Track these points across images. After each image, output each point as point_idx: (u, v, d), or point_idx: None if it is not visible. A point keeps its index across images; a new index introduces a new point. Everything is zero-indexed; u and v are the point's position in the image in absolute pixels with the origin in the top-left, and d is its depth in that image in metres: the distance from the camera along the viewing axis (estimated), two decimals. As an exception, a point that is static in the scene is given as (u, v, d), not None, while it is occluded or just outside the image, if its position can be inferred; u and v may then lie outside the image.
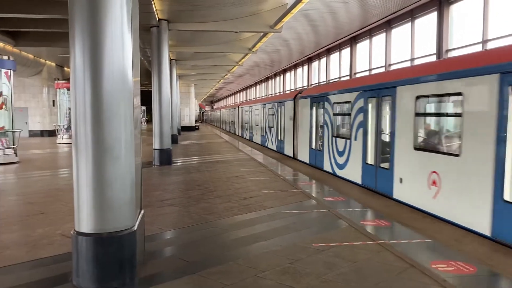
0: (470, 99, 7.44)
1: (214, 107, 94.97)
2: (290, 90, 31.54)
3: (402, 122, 9.61)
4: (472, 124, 7.36)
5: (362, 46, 19.91)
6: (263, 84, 42.86)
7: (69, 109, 24.63)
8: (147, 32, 15.20)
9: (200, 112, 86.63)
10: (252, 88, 49.59)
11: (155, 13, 13.98)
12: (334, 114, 13.97)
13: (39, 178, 11.52)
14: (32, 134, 28.71)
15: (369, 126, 11.30)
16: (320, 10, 17.99)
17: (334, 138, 13.81)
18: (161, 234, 6.09)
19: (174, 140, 21.93)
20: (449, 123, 8.64)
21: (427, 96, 8.92)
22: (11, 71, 14.49)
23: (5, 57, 14.55)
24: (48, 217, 7.07)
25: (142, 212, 5.02)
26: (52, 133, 27.81)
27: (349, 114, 12.49)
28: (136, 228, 4.38)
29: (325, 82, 23.99)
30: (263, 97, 40.67)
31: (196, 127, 45.00)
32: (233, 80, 49.93)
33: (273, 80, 38.32)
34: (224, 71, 35.43)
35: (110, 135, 4.16)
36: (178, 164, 14.54)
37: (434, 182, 8.26)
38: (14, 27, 20.89)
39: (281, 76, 34.93)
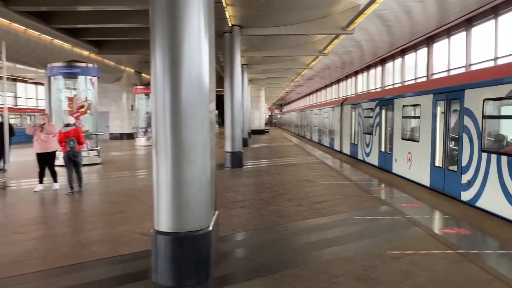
0: None
1: (283, 110, 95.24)
2: (362, 92, 30.86)
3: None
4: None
5: (439, 46, 19.02)
6: (334, 86, 42.31)
7: (147, 113, 25.88)
8: (220, 38, 15.59)
9: (269, 115, 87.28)
10: (322, 90, 49.12)
11: (228, 19, 14.30)
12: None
13: (119, 179, 12.19)
14: (113, 137, 30.46)
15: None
16: (395, 10, 17.45)
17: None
18: (233, 235, 6.21)
19: (245, 143, 22.25)
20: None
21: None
22: (96, 78, 15.46)
23: (90, 65, 15.54)
24: (128, 215, 7.46)
25: (217, 213, 5.14)
26: (130, 136, 29.32)
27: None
28: (211, 228, 4.50)
29: (400, 84, 23.22)
30: (333, 99, 40.14)
31: (266, 130, 45.37)
32: (302, 83, 49.78)
33: (344, 82, 37.72)
34: (294, 74, 35.43)
35: (187, 139, 4.31)
36: (248, 166, 14.74)
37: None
38: (98, 36, 22.29)
39: (353, 78, 34.29)
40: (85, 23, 19.21)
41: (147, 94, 26.16)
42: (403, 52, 23.00)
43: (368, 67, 29.89)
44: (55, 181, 10.04)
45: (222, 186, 10.44)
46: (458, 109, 9.80)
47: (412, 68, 22.08)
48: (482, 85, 8.84)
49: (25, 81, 34.87)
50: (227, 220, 6.86)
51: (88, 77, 15.10)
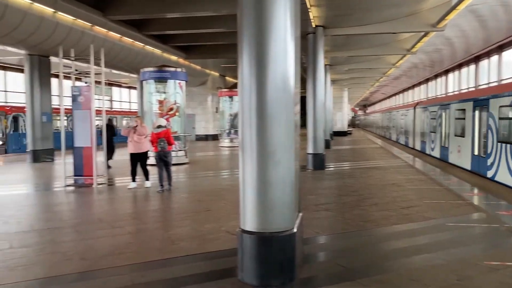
0: None
1: (367, 111, 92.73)
2: (453, 92, 29.14)
3: None
4: None
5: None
6: (422, 86, 40.39)
7: (231, 115, 26.54)
8: (303, 39, 15.56)
9: (352, 117, 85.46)
10: (409, 90, 47.12)
11: (312, 20, 14.23)
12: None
13: (205, 178, 12.62)
14: (198, 138, 31.65)
15: None
16: (490, 4, 16.29)
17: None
18: (317, 237, 6.15)
19: (327, 145, 21.98)
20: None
21: None
22: (184, 81, 16.15)
23: (179, 70, 16.27)
24: (214, 214, 7.70)
25: (301, 214, 5.13)
26: (215, 137, 30.27)
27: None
28: (295, 230, 4.50)
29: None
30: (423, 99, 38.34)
31: (349, 132, 44.48)
32: (388, 82, 48.15)
33: (433, 81, 35.87)
34: (379, 74, 34.38)
35: (272, 140, 4.35)
36: (330, 169, 14.55)
37: None
38: (186, 42, 23.28)
39: (443, 77, 32.49)
40: (174, 29, 20.18)
41: (231, 97, 26.82)
42: (500, 48, 21.37)
43: (460, 66, 28.16)
44: (147, 179, 10.60)
45: (305, 188, 10.38)
46: (486, 113, 13.87)
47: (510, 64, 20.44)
48: (499, 96, 13.07)
49: (120, 86, 37.35)
50: (310, 222, 6.81)
51: (177, 81, 15.80)
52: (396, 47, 21.51)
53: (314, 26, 14.83)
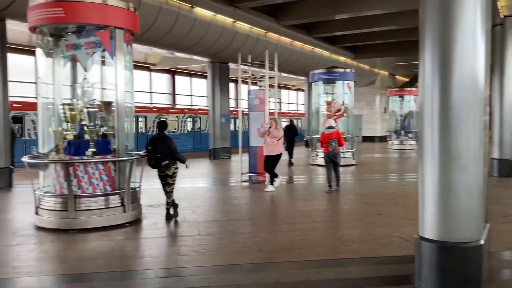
0: None
1: None
2: None
3: None
4: None
5: None
6: None
7: (401, 116, 25.45)
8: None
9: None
10: None
11: (499, 11, 12.77)
12: None
13: (372, 181, 12.33)
14: (365, 139, 31.05)
15: None
16: None
17: None
18: (505, 253, 5.50)
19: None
20: None
21: None
22: (352, 82, 16.04)
23: (348, 70, 16.22)
24: (385, 218, 7.46)
25: (488, 225, 4.65)
26: (383, 139, 29.34)
27: None
28: (482, 242, 4.10)
29: None
30: None
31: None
32: None
33: None
34: None
35: (458, 143, 4.03)
36: (520, 176, 12.82)
37: None
38: (354, 42, 23.09)
39: None
40: (342, 30, 20.23)
41: (401, 96, 25.72)
42: None
43: None
44: (272, 183, 10.15)
45: (490, 196, 9.31)
46: None
47: None
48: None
49: (288, 88, 38.84)
50: (497, 235, 6.10)
51: (346, 82, 15.78)
52: None
53: (502, 16, 13.27)
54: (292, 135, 15.72)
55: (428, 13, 4.17)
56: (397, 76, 33.09)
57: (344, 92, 15.85)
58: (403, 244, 5.73)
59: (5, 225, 7.23)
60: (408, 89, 26.19)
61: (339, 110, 15.68)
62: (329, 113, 15.61)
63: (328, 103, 15.83)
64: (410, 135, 24.85)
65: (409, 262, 4.42)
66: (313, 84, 16.68)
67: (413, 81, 29.66)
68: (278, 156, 10.18)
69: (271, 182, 10.16)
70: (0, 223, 7.33)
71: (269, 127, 10.15)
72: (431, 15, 4.14)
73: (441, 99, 4.06)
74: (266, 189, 10.09)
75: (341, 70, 16.17)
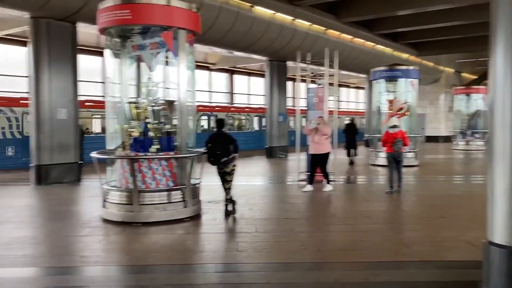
0: None
1: None
2: None
3: None
4: None
5: None
6: None
7: (467, 115, 24.29)
8: None
9: None
10: None
11: None
12: None
13: (436, 182, 11.87)
14: (428, 139, 29.91)
15: None
16: None
17: None
18: None
19: None
20: None
21: None
22: (416, 79, 15.50)
23: (411, 67, 15.70)
24: (450, 221, 7.15)
25: None
26: (447, 139, 28.14)
27: None
28: (560, 249, 3.82)
29: None
30: None
31: None
32: None
33: None
34: None
35: (533, 144, 3.79)
36: None
37: None
38: (417, 38, 22.33)
39: None
40: (404, 26, 19.63)
41: (468, 95, 24.53)
42: None
43: None
44: (328, 182, 10.04)
45: None
46: None
47: None
48: None
49: (347, 86, 38.21)
50: None
51: (409, 80, 15.29)
52: None
53: None
54: (352, 134, 15.51)
55: (500, 6, 3.95)
56: (463, 74, 31.58)
57: (406, 90, 15.35)
58: (469, 248, 5.47)
59: (74, 217, 7.68)
60: (476, 87, 24.93)
61: (401, 108, 15.20)
62: (391, 111, 15.18)
63: (390, 102, 15.40)
64: (477, 135, 23.64)
65: (476, 268, 4.21)
66: (374, 82, 16.29)
67: (481, 78, 28.18)
68: (326, 155, 9.88)
69: (328, 182, 10.04)
70: (70, 215, 7.79)
71: (318, 124, 9.88)
72: (504, 8, 3.92)
73: (516, 97, 3.83)
74: (324, 188, 9.96)
75: (404, 67, 15.68)
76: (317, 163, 9.95)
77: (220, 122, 7.70)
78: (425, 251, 5.50)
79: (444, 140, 28.99)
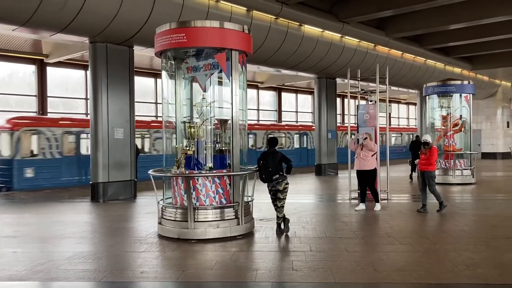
0: None
1: None
2: None
3: None
4: None
5: None
6: None
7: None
8: None
9: None
10: None
11: None
12: None
13: (495, 201, 11.34)
14: (485, 156, 28.65)
15: None
16: None
17: None
18: None
19: None
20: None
21: None
22: (471, 94, 15.00)
23: (466, 82, 15.22)
24: (514, 242, 6.80)
25: None
26: (505, 156, 26.86)
27: None
28: None
29: None
30: None
31: None
32: None
33: None
34: None
35: None
36: None
37: None
38: (470, 52, 21.66)
39: None
40: (457, 40, 19.10)
41: (526, 109, 23.40)
42: None
43: None
44: (377, 201, 9.82)
45: None
46: None
47: None
48: None
49: (398, 102, 37.41)
50: None
51: (463, 95, 14.82)
52: None
53: None
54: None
55: None
56: (521, 87, 30.19)
57: (461, 105, 14.86)
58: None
59: (132, 233, 7.92)
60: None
61: (456, 124, 14.72)
62: (445, 128, 14.73)
63: (444, 118, 14.95)
64: (538, 151, 22.44)
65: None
66: (427, 97, 15.89)
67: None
68: (371, 172, 9.70)
69: (377, 201, 9.85)
70: (127, 231, 8.04)
71: (364, 138, 9.66)
72: None
73: None
74: (375, 208, 9.79)
75: (458, 82, 15.21)
76: (364, 180, 9.80)
77: (272, 141, 7.75)
78: (489, 273, 5.25)
79: (502, 157, 27.67)
